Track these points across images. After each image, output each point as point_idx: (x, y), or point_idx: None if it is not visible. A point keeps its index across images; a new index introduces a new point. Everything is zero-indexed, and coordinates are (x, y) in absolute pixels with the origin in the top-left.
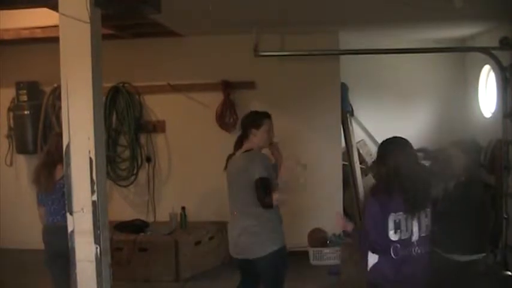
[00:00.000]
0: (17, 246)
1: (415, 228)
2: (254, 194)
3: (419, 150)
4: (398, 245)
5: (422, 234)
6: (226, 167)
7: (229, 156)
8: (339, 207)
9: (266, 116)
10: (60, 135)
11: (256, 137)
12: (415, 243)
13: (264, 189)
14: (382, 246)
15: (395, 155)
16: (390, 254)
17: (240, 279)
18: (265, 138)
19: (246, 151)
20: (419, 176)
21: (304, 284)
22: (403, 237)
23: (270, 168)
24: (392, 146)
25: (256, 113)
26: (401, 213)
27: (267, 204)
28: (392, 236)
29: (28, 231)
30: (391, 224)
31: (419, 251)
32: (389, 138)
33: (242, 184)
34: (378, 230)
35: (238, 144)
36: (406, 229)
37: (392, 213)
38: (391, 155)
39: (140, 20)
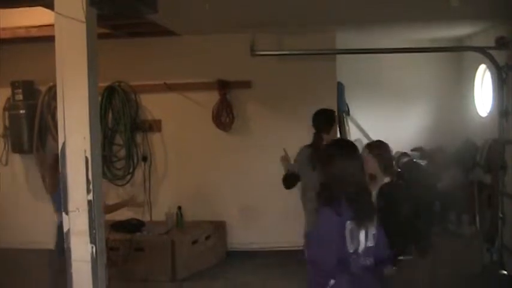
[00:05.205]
0: (14, 245)
1: (362, 238)
2: None
3: (415, 149)
4: (354, 256)
5: (369, 245)
6: None
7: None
8: None
9: None
10: None
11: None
12: (361, 254)
13: None
14: (340, 261)
15: (340, 158)
16: (349, 268)
17: None
18: None
19: None
20: (364, 182)
21: (300, 282)
22: (355, 248)
23: None
24: (339, 149)
25: None
26: (353, 221)
27: None
28: (350, 247)
29: (25, 230)
30: (347, 234)
31: (365, 263)
32: (336, 140)
33: None
34: (331, 242)
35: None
36: (357, 239)
37: (348, 221)
38: (335, 158)
39: (136, 19)
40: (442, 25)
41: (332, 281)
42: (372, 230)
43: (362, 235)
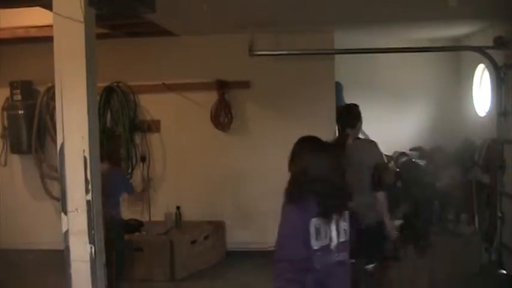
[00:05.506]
0: (13, 246)
1: (334, 234)
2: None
3: (414, 149)
4: (320, 253)
5: (341, 240)
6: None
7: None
8: None
9: None
10: (107, 137)
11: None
12: (334, 250)
13: None
14: (304, 258)
15: (306, 154)
16: (313, 265)
17: None
18: None
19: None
20: (332, 178)
21: None
22: (323, 245)
23: None
24: (305, 146)
25: None
26: (319, 218)
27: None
28: (314, 244)
29: (24, 231)
30: (312, 231)
31: (339, 258)
32: (304, 137)
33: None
34: (299, 240)
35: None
36: (325, 235)
37: (313, 219)
38: (301, 155)
39: (135, 19)
40: (440, 25)
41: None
42: (344, 225)
43: (334, 231)
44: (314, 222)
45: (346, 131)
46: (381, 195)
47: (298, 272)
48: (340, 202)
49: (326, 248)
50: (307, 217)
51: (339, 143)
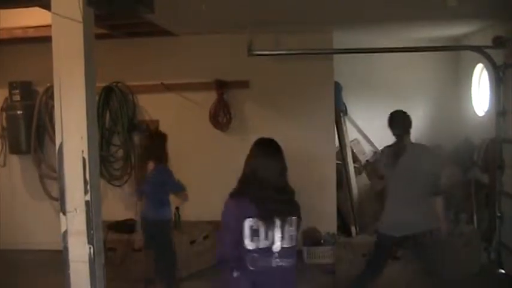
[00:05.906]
0: (12, 247)
1: (277, 238)
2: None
3: None
4: (256, 255)
5: (285, 245)
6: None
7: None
8: (333, 206)
9: None
10: (152, 135)
11: None
12: (276, 254)
13: None
14: (236, 256)
15: (257, 157)
16: (246, 265)
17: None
18: None
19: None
20: (278, 183)
21: (299, 282)
22: (261, 246)
23: None
24: (258, 149)
25: None
26: (258, 219)
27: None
28: (249, 244)
29: (23, 231)
30: (247, 231)
31: (281, 263)
32: (260, 139)
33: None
34: (230, 237)
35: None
36: (265, 237)
37: (250, 219)
38: (253, 157)
39: (134, 19)
40: (439, 25)
41: (235, 274)
42: (290, 231)
43: (277, 235)
44: (250, 222)
45: (404, 137)
46: (439, 200)
47: (228, 269)
48: (283, 207)
49: (265, 251)
50: (242, 216)
51: (399, 149)
